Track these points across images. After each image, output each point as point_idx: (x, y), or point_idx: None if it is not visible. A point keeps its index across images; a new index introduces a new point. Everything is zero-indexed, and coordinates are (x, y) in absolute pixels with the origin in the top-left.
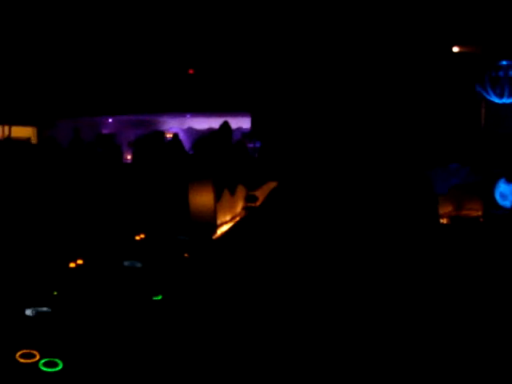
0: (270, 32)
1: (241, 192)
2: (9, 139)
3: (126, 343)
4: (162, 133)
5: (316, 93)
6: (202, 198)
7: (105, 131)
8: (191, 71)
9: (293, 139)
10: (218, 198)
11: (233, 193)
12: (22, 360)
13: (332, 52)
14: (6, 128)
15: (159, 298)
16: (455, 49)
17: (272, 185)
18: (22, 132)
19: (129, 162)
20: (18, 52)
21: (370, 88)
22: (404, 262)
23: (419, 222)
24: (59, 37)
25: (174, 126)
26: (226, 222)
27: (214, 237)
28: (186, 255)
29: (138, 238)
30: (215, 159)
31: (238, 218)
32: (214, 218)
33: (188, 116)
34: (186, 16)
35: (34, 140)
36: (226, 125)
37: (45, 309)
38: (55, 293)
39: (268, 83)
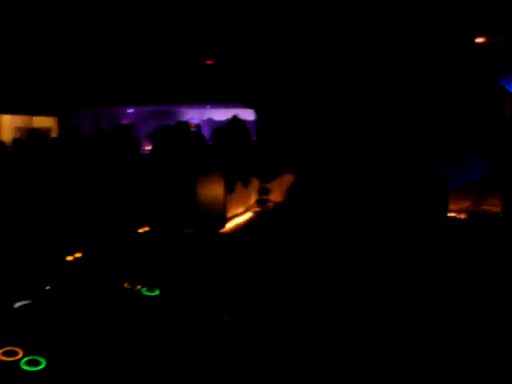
0: (284, 23)
1: (254, 184)
2: (32, 130)
3: (116, 341)
4: (187, 124)
5: (325, 81)
6: (212, 191)
7: (124, 121)
8: (210, 62)
9: (300, 133)
10: (230, 190)
11: (246, 185)
12: (3, 358)
13: (346, 38)
14: (28, 118)
15: (156, 293)
16: (478, 39)
17: (286, 177)
18: (43, 122)
19: (147, 152)
20: (39, 42)
21: (384, 78)
22: (410, 258)
23: (426, 217)
24: (80, 27)
25: (193, 117)
26: (238, 215)
27: (223, 230)
28: (190, 249)
29: (141, 230)
30: (228, 151)
31: (251, 210)
32: (224, 211)
33: (208, 107)
34: (204, 6)
35: (54, 130)
36: (235, 118)
37: (32, 303)
38: (48, 287)
39: (277, 75)
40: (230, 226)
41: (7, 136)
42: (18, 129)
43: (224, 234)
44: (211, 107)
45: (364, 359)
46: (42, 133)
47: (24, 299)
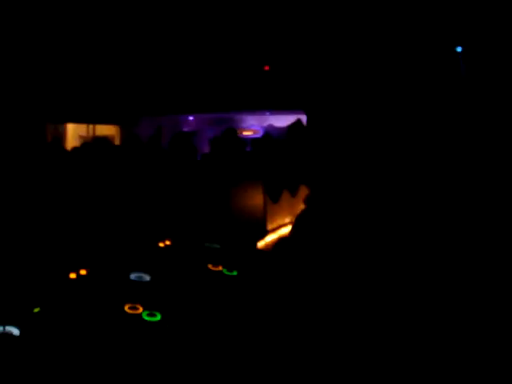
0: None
1: (303, 193)
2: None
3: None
4: (235, 130)
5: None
6: (249, 200)
7: (185, 129)
8: (267, 68)
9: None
10: (275, 199)
11: (294, 194)
12: None
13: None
14: (91, 127)
15: (157, 319)
16: None
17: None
18: (105, 130)
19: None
20: (102, 54)
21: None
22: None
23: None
24: (138, 37)
25: (253, 124)
26: (285, 225)
27: (261, 244)
28: (209, 266)
29: (161, 244)
30: (267, 158)
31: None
32: (264, 223)
33: (267, 113)
34: (260, 13)
35: (117, 138)
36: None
37: (15, 330)
38: (37, 309)
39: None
40: (271, 238)
41: (72, 144)
42: (82, 137)
43: (260, 249)
44: (271, 114)
45: None
46: (104, 140)
47: (6, 323)
